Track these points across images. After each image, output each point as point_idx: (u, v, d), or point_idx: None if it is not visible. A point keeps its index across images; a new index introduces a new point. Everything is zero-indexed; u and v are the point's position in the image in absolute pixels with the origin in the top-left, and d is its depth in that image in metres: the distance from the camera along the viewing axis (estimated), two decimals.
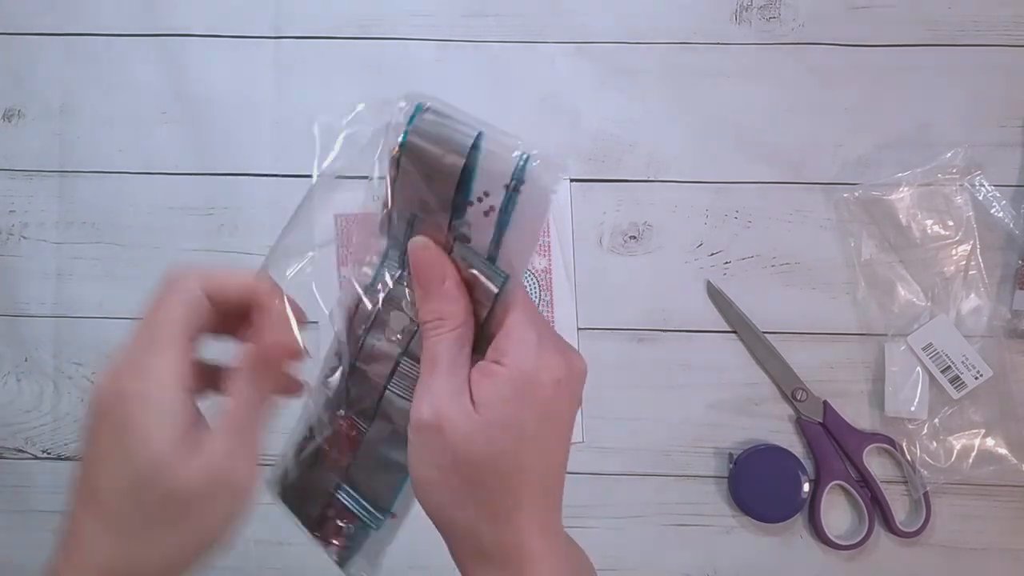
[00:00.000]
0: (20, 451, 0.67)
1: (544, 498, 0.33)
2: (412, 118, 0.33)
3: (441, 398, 0.32)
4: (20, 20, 0.69)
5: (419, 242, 0.33)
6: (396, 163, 0.33)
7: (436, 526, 0.34)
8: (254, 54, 0.68)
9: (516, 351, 0.32)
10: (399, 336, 0.35)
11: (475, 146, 0.32)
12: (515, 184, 0.31)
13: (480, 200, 0.31)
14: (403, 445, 0.34)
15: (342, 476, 0.37)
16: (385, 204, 0.34)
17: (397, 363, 0.35)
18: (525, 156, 0.31)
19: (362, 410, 0.37)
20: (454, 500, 0.33)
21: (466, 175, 0.32)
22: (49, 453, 0.67)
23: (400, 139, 0.32)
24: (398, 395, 0.35)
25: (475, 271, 0.33)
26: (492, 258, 0.32)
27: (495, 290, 0.33)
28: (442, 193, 0.32)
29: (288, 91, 0.68)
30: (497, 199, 0.31)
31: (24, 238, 0.68)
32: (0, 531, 0.67)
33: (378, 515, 0.38)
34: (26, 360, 0.68)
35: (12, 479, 0.67)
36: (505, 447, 0.32)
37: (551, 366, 0.33)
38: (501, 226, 0.32)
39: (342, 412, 0.37)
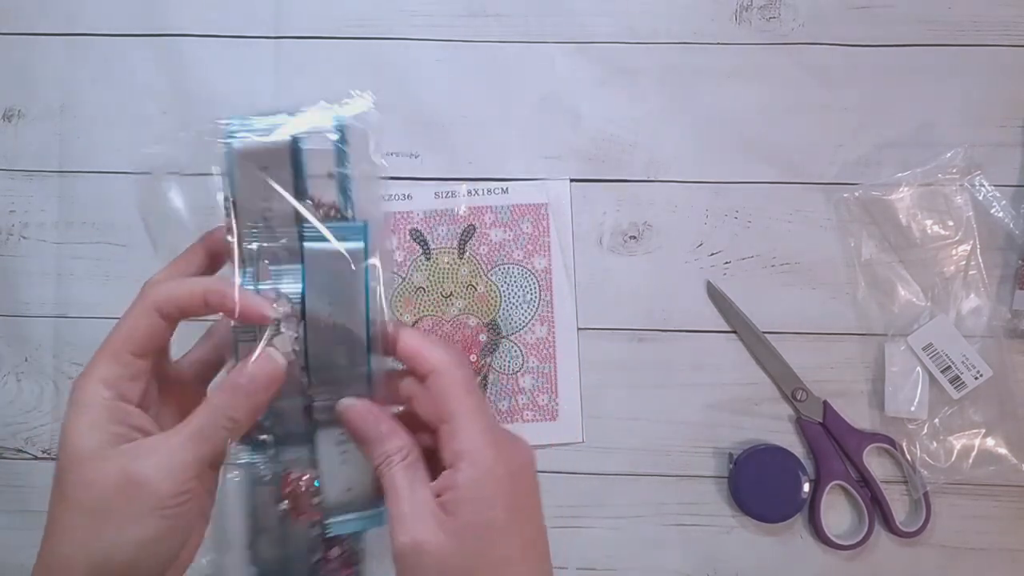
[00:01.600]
0: (20, 451, 0.67)
1: None
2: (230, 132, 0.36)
3: (412, 521, 0.34)
4: (20, 20, 0.69)
5: (346, 403, 0.37)
6: (232, 163, 0.36)
7: None
8: (254, 54, 0.68)
9: (469, 454, 0.35)
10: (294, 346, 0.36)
11: (295, 138, 0.35)
12: (339, 138, 0.35)
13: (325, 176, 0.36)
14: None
15: (317, 518, 0.37)
16: (227, 212, 0.36)
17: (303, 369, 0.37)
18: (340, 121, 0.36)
19: (297, 455, 0.37)
20: None
21: (296, 154, 0.35)
22: (49, 453, 0.67)
23: (229, 141, 0.35)
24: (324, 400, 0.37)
25: (330, 236, 0.35)
26: (344, 217, 0.36)
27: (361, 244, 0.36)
28: (281, 174, 0.35)
29: (288, 91, 0.68)
30: (330, 162, 0.35)
31: (24, 238, 0.68)
32: (0, 531, 0.67)
33: (376, 508, 0.37)
34: (26, 360, 0.68)
35: (12, 479, 0.67)
36: (483, 547, 0.34)
37: (505, 459, 0.35)
38: (343, 180, 0.36)
39: (281, 468, 0.37)
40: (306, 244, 0.35)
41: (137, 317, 0.36)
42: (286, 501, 0.37)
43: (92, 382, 0.35)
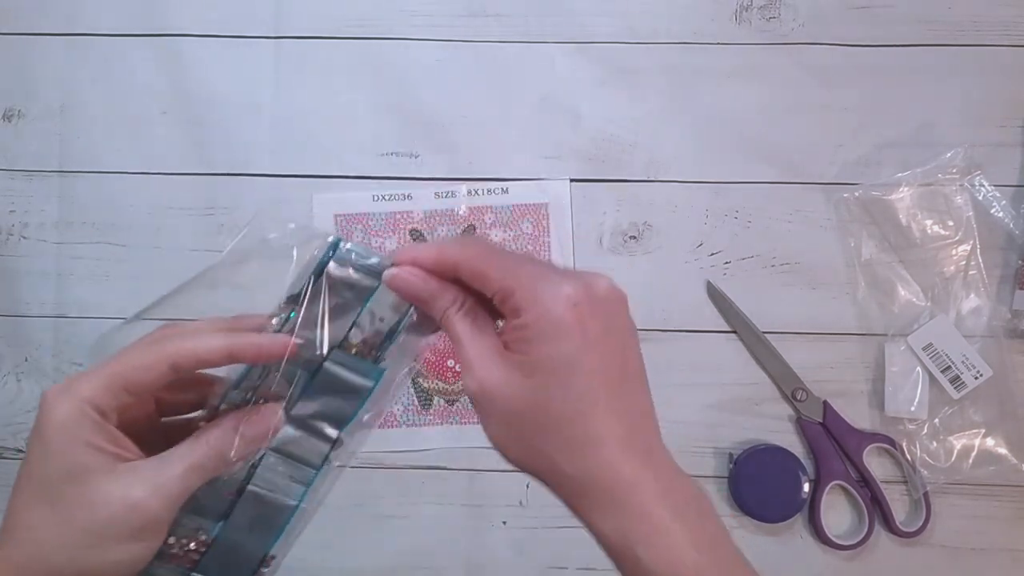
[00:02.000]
0: (20, 451, 0.67)
1: (619, 423, 0.33)
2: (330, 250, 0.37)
3: (477, 366, 0.33)
4: (20, 20, 0.69)
5: (390, 272, 0.36)
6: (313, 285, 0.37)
7: (538, 481, 0.35)
8: (254, 54, 0.68)
9: (525, 299, 0.32)
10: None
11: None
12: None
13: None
14: (264, 527, 0.38)
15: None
16: (293, 303, 0.37)
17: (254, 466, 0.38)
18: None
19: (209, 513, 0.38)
20: (530, 452, 0.33)
21: (371, 292, 0.37)
22: None
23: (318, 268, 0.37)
24: (261, 488, 0.38)
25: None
26: (377, 358, 0.38)
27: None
28: (351, 304, 0.37)
29: (288, 91, 0.68)
30: (390, 308, 0.37)
31: (24, 238, 0.68)
32: None
33: None
34: (26, 360, 0.68)
35: (12, 479, 0.67)
36: (557, 382, 0.32)
37: (572, 287, 0.32)
38: (394, 327, 0.38)
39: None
40: (327, 364, 0.37)
41: (148, 361, 0.36)
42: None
43: (77, 400, 0.34)
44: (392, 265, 0.36)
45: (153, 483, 0.34)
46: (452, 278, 0.35)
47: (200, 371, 0.37)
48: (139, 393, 0.36)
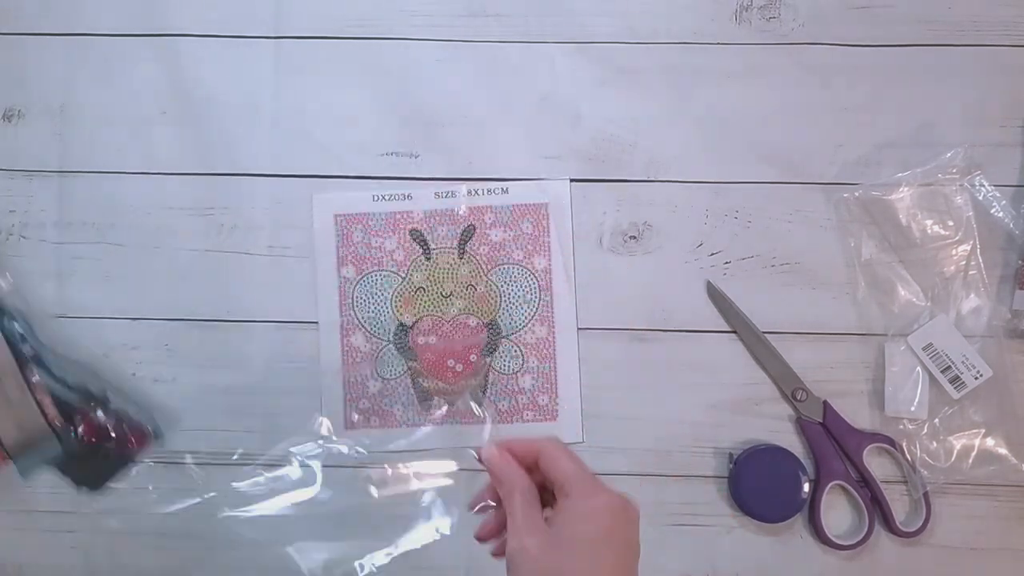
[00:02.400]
0: None
1: None
2: None
3: (522, 532, 0.42)
4: (20, 20, 0.69)
5: (487, 453, 0.46)
6: None
7: None
8: (254, 54, 0.68)
9: (577, 487, 0.43)
10: None
11: None
12: None
13: None
14: None
15: None
16: None
17: None
18: None
19: None
20: None
21: None
22: None
23: None
24: None
25: None
26: None
27: None
28: None
29: (288, 91, 0.68)
30: None
31: (24, 238, 0.68)
32: (0, 531, 0.67)
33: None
34: None
35: (12, 479, 0.67)
36: (573, 556, 0.41)
37: (605, 499, 0.43)
38: None
39: None
40: None
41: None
42: None
43: None
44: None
45: None
46: (528, 463, 0.46)
47: None
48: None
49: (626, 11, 0.68)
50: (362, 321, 0.67)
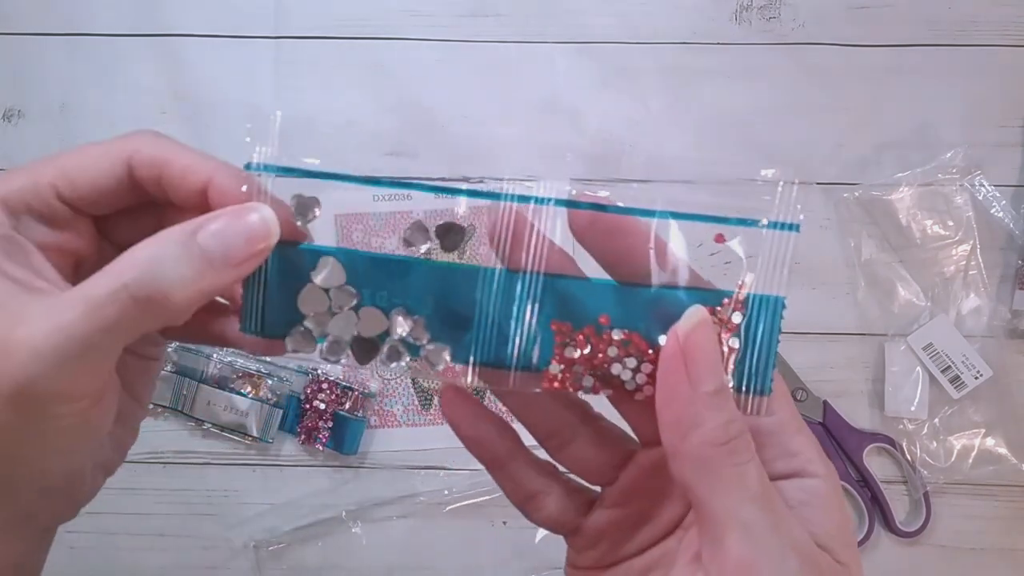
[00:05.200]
0: None
1: None
2: None
3: None
4: (20, 20, 0.69)
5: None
6: None
7: None
8: (254, 54, 0.68)
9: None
10: None
11: None
12: None
13: None
14: None
15: None
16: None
17: None
18: None
19: None
20: None
21: None
22: None
23: None
24: None
25: None
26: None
27: None
28: None
29: (288, 91, 0.68)
30: None
31: None
32: None
33: None
34: None
35: None
36: None
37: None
38: None
39: None
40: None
41: (96, 153, 0.27)
42: None
43: None
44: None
45: (46, 323, 0.22)
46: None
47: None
48: (81, 200, 0.26)
49: (626, 11, 0.68)
50: None
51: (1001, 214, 0.65)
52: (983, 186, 0.65)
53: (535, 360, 0.27)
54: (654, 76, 0.68)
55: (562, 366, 0.27)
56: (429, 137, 0.68)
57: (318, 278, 0.27)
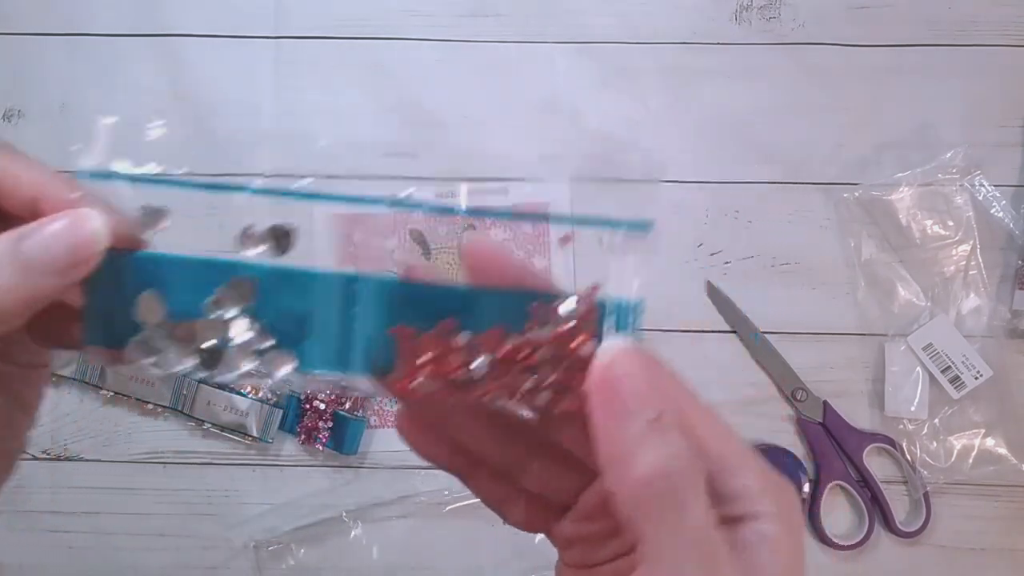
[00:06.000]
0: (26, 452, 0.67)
1: None
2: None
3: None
4: (20, 20, 0.69)
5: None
6: None
7: None
8: (254, 54, 0.68)
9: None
10: None
11: None
12: None
13: None
14: None
15: None
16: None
17: None
18: None
19: None
20: None
21: None
22: (49, 453, 0.67)
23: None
24: None
25: None
26: None
27: None
28: None
29: (288, 91, 0.68)
30: None
31: None
32: (0, 531, 0.67)
33: None
34: None
35: (12, 479, 0.67)
36: None
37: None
38: None
39: None
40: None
41: None
42: None
43: None
44: None
45: None
46: None
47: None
48: None
49: (626, 11, 0.68)
50: None
51: (1001, 214, 0.65)
52: (983, 186, 0.65)
53: (380, 365, 0.26)
54: (654, 76, 0.68)
55: (409, 371, 0.26)
56: (429, 137, 0.68)
57: (150, 288, 0.28)
